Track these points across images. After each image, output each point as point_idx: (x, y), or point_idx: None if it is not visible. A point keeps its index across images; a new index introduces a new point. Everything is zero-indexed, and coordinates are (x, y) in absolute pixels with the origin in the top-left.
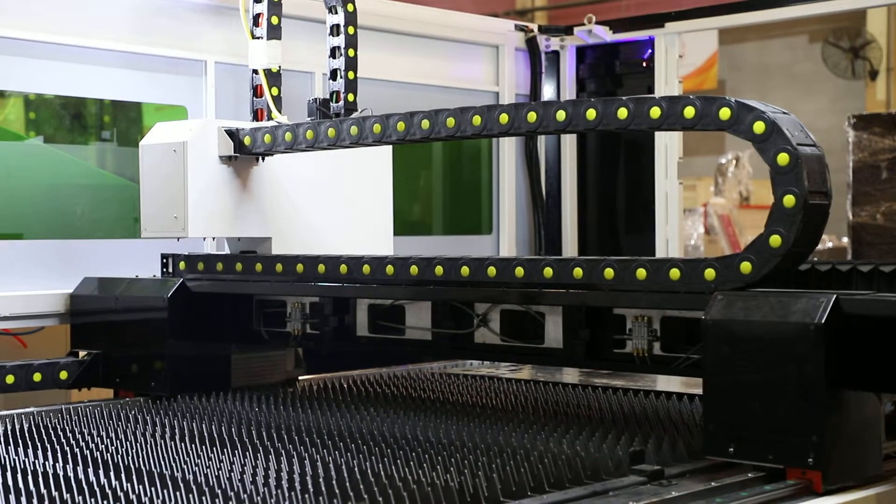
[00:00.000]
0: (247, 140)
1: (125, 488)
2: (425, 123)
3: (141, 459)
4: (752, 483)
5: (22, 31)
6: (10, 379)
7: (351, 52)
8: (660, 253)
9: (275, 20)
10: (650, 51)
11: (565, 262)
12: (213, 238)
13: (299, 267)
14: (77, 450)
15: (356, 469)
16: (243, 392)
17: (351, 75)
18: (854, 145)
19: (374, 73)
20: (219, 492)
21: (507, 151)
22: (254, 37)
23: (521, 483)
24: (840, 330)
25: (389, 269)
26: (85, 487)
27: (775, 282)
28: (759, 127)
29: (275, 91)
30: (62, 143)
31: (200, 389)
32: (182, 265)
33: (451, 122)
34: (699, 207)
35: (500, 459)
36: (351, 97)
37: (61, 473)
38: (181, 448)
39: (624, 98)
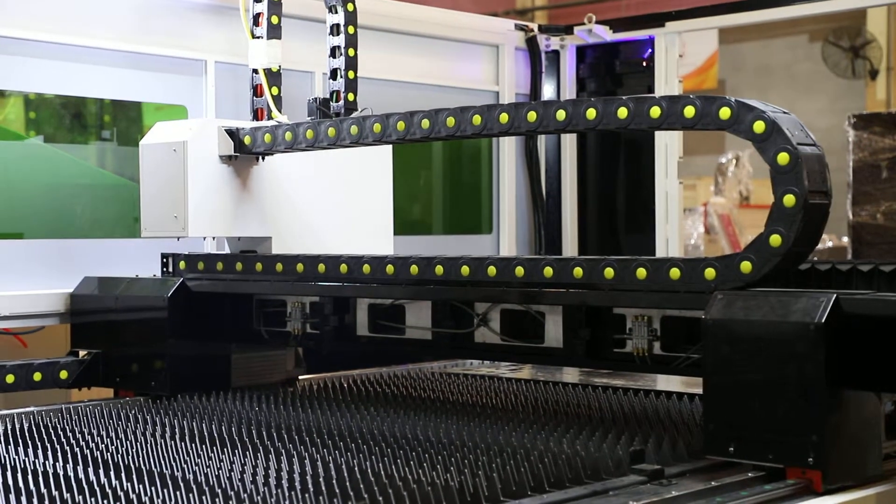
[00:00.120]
0: (247, 139)
1: (125, 488)
2: (425, 123)
3: (141, 459)
4: (752, 483)
5: (22, 31)
6: (10, 378)
7: (351, 52)
8: (660, 252)
9: (275, 19)
10: (650, 50)
11: (565, 261)
12: (213, 237)
13: (299, 266)
14: (77, 449)
15: (356, 468)
16: (243, 392)
17: (351, 75)
18: (854, 145)
19: (374, 73)
20: (219, 491)
21: (507, 151)
22: (254, 36)
23: (522, 483)
24: (840, 329)
25: (389, 268)
26: (85, 487)
27: (775, 281)
28: (759, 126)
29: (275, 90)
30: (62, 142)
31: (200, 389)
32: (182, 265)
33: (451, 121)
34: (699, 207)
35: (500, 459)
36: (351, 97)
37: (61, 473)
38: (181, 447)
39: (624, 97)
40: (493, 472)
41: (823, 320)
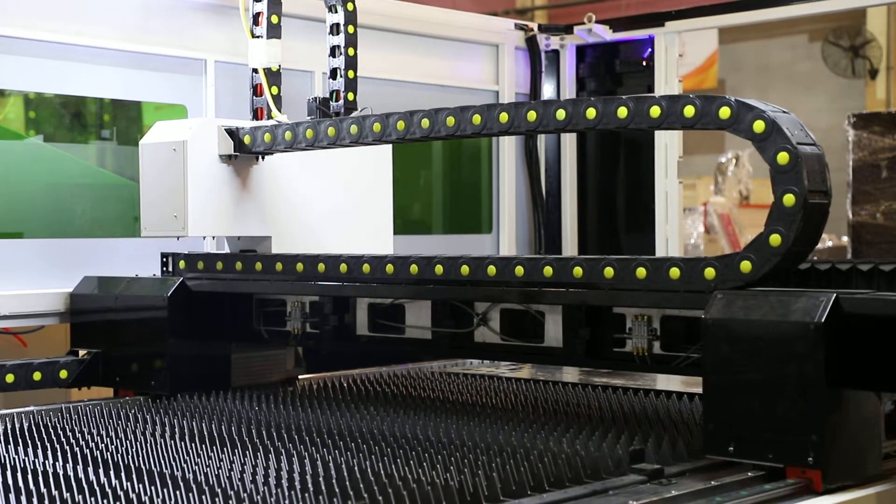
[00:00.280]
0: (247, 139)
1: (125, 487)
2: (425, 122)
3: (141, 458)
4: (752, 482)
5: (22, 30)
6: (10, 378)
7: (351, 51)
8: (660, 252)
9: (274, 19)
10: (650, 50)
11: (565, 261)
12: (213, 237)
13: (299, 266)
14: (77, 449)
15: (356, 468)
16: (243, 391)
17: (351, 74)
18: (854, 144)
19: (374, 72)
20: (218, 491)
21: (507, 150)
22: (254, 36)
23: (521, 482)
24: (840, 329)
25: (389, 268)
26: (85, 486)
27: (775, 281)
28: (758, 126)
29: (274, 90)
30: (62, 142)
31: (200, 388)
32: (182, 264)
33: (450, 121)
34: (699, 206)
35: (499, 458)
36: (351, 96)
37: (61, 472)
38: (181, 447)
39: (624, 97)
40: (493, 472)
41: (823, 320)
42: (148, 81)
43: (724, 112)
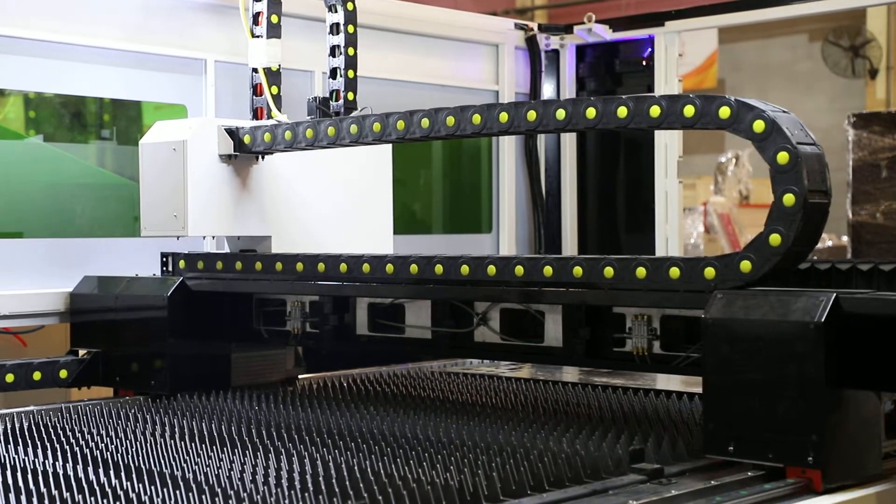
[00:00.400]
0: (247, 139)
1: (125, 487)
2: (425, 122)
3: (141, 458)
4: (752, 482)
5: (21, 30)
6: (9, 377)
7: (351, 51)
8: (660, 252)
9: (274, 19)
10: (650, 49)
11: (565, 260)
12: (213, 237)
13: (299, 266)
14: (77, 448)
15: (356, 468)
16: (243, 391)
17: (351, 74)
18: (854, 144)
19: (374, 72)
20: (218, 490)
21: (507, 150)
22: (253, 35)
23: (521, 482)
24: (840, 329)
25: (389, 267)
26: (85, 486)
27: (775, 281)
28: (758, 126)
29: (274, 90)
30: (62, 141)
31: (200, 388)
32: (182, 264)
33: (450, 120)
34: (699, 206)
35: (499, 458)
36: (351, 96)
37: (61, 472)
38: (181, 447)
39: (624, 97)
40: (493, 472)
41: (823, 319)
42: (148, 81)
43: (724, 112)
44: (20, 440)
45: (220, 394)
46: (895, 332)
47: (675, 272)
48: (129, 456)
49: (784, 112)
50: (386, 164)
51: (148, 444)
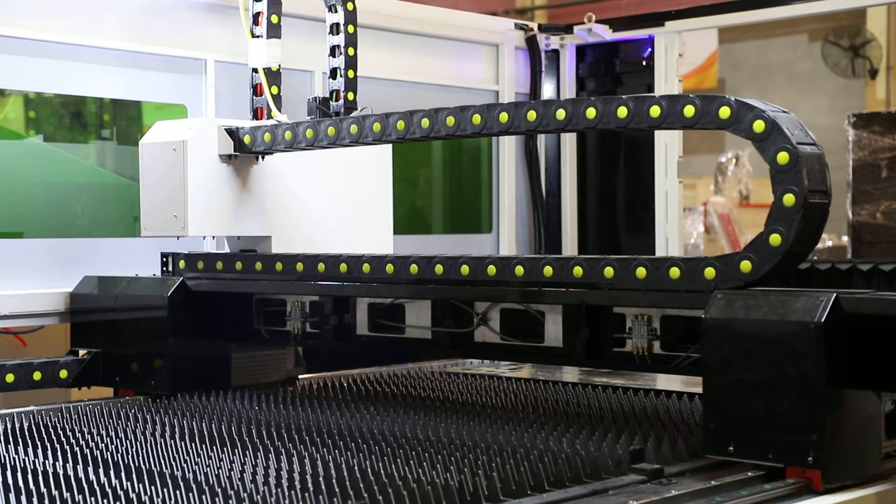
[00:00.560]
0: (247, 139)
1: (125, 487)
2: (425, 122)
3: (141, 458)
4: (752, 482)
5: (22, 30)
6: (10, 377)
7: (351, 51)
8: (660, 252)
9: (274, 19)
10: (650, 49)
11: (565, 260)
12: (213, 237)
13: (299, 266)
14: (77, 448)
15: (356, 468)
16: (243, 391)
17: (351, 74)
18: (854, 144)
19: (374, 72)
20: (218, 490)
21: (507, 150)
22: (254, 35)
23: (521, 482)
24: (840, 329)
25: (389, 267)
26: (85, 486)
27: (775, 280)
28: (758, 126)
29: (274, 90)
30: (62, 141)
31: (200, 388)
32: (182, 264)
33: (450, 120)
34: (699, 206)
35: (499, 458)
36: (351, 96)
37: (61, 472)
38: (181, 447)
39: (624, 97)
40: (493, 472)
41: (823, 319)
42: (148, 81)
43: (724, 112)
44: (20, 440)
45: (220, 394)
46: (895, 332)
47: (675, 272)
48: (129, 456)
49: (784, 112)
50: (386, 164)
51: (148, 444)
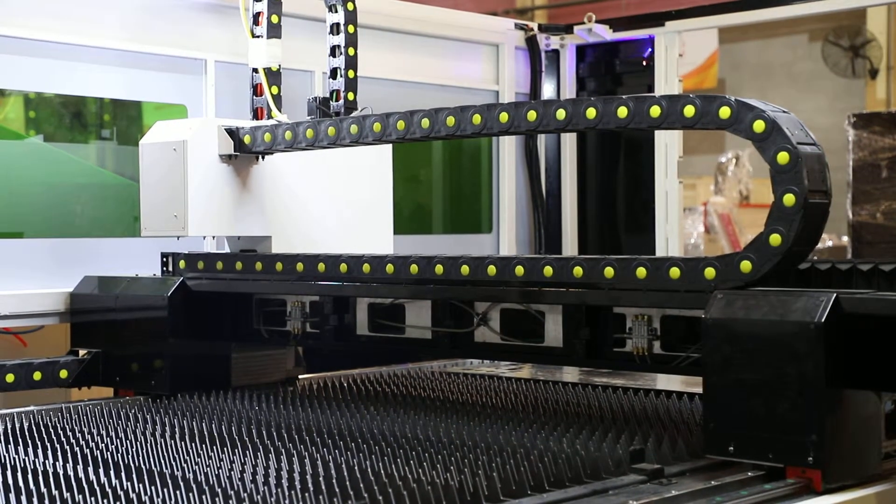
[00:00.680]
0: (247, 139)
1: (125, 487)
2: (425, 122)
3: (141, 458)
4: (752, 482)
5: (22, 30)
6: (10, 377)
7: (351, 51)
8: (660, 252)
9: (275, 19)
10: (650, 49)
11: (565, 260)
12: (213, 237)
13: (299, 266)
14: (77, 448)
15: (356, 468)
16: (243, 391)
17: (351, 74)
18: (854, 144)
19: (374, 72)
20: (219, 490)
21: (507, 150)
22: (254, 35)
23: (521, 482)
24: (840, 329)
25: (389, 267)
26: (85, 486)
27: (775, 281)
28: (759, 126)
29: (275, 90)
30: (62, 141)
31: (200, 388)
32: (182, 264)
33: (451, 120)
34: (699, 206)
35: (499, 458)
36: (351, 96)
37: (61, 472)
38: (181, 447)
39: (624, 97)
40: (493, 472)
41: (823, 319)
42: (148, 81)
43: (725, 112)
44: (20, 440)
45: (220, 394)
46: (895, 332)
47: (675, 272)
48: (129, 456)
49: (784, 112)
50: (386, 164)
51: (148, 444)
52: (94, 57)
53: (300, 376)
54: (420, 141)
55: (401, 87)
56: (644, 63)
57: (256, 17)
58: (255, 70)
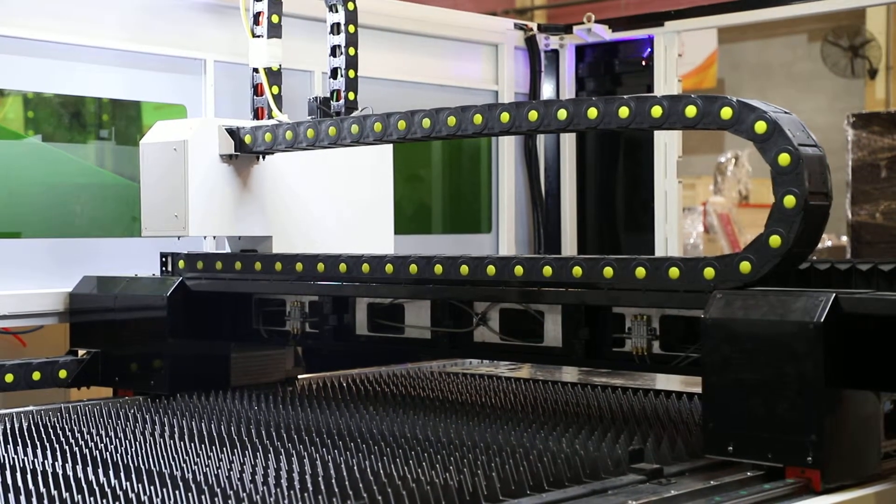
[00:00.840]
0: (247, 139)
1: (124, 487)
2: (426, 122)
3: (140, 458)
4: (752, 482)
5: (21, 30)
6: (9, 377)
7: (351, 51)
8: (659, 252)
9: (275, 18)
10: (649, 49)
11: (565, 260)
12: (213, 237)
13: (298, 266)
14: (76, 448)
15: (355, 468)
16: (242, 391)
17: (351, 74)
18: (853, 144)
19: (374, 72)
20: (218, 490)
21: (507, 150)
22: (254, 35)
23: (521, 482)
24: (839, 329)
25: (389, 267)
26: (84, 486)
27: (774, 280)
28: (760, 127)
29: (275, 90)
30: (61, 141)
31: (200, 388)
32: (181, 264)
33: (452, 120)
34: (698, 206)
35: (499, 458)
36: (351, 96)
37: (61, 472)
38: (180, 447)
39: (625, 97)
40: (493, 472)
41: (822, 319)
42: (148, 81)
43: (726, 112)
44: (20, 440)
45: (219, 394)
46: (895, 332)
47: (674, 272)
48: (129, 456)
49: (786, 113)
50: (387, 164)
51: (148, 444)
52: (94, 57)
53: (299, 376)
54: (421, 141)
55: (400, 87)
56: (643, 63)
57: (257, 17)
58: (256, 70)
